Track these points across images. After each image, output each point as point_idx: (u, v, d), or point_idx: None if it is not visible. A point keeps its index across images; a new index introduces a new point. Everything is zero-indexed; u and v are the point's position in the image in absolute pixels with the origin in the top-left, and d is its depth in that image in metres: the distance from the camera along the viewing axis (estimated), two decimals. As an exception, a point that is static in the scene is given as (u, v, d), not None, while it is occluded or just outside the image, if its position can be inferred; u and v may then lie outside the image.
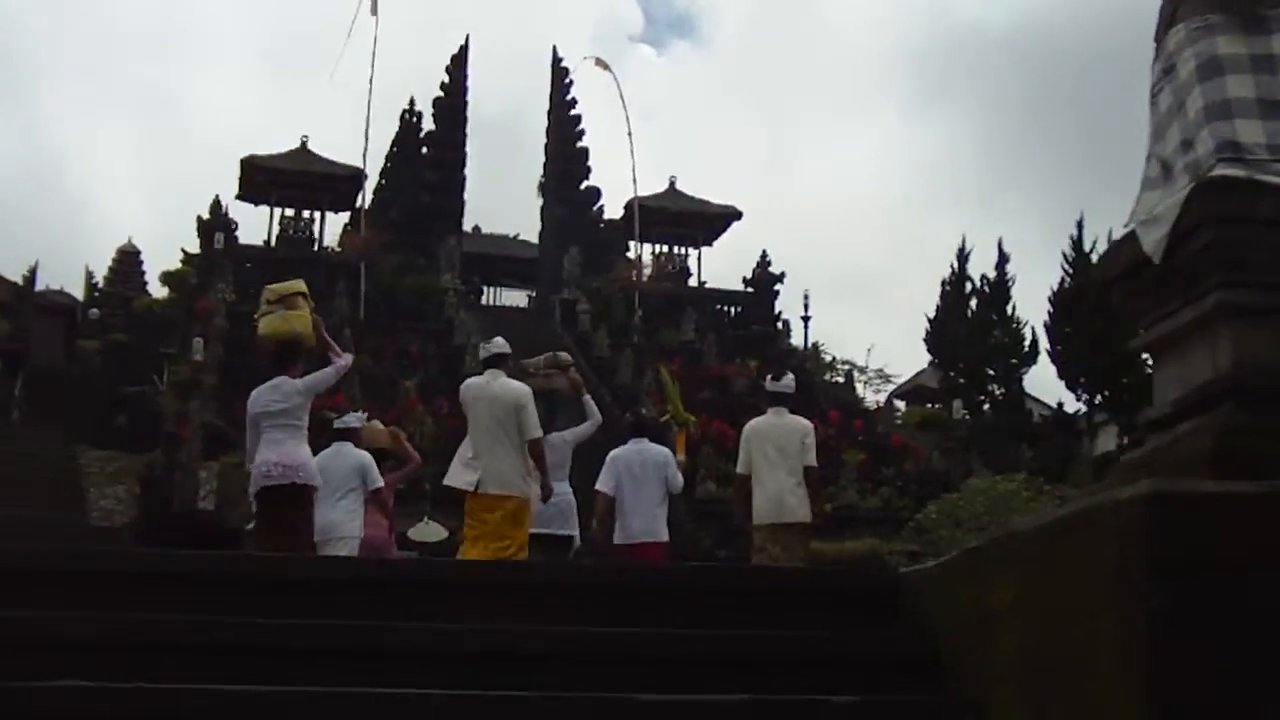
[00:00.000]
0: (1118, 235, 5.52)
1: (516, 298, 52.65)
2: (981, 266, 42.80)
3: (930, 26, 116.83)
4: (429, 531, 23.94)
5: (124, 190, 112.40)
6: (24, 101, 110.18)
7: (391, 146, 51.21)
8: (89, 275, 54.93)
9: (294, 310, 9.84)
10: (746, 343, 43.40)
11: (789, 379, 12.02)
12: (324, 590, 5.72)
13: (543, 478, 10.32)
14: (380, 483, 11.33)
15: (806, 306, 44.00)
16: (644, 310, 43.94)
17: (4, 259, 59.75)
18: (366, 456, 11.33)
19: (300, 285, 10.18)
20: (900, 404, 47.54)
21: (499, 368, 10.57)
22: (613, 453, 11.71)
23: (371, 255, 42.56)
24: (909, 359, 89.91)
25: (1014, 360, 40.70)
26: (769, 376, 12.52)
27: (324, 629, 5.27)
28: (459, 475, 10.27)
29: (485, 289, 51.05)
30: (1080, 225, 41.88)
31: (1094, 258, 41.04)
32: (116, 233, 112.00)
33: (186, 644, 5.06)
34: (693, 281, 48.47)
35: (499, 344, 10.79)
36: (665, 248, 49.02)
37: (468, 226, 51.42)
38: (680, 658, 5.16)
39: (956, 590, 4.92)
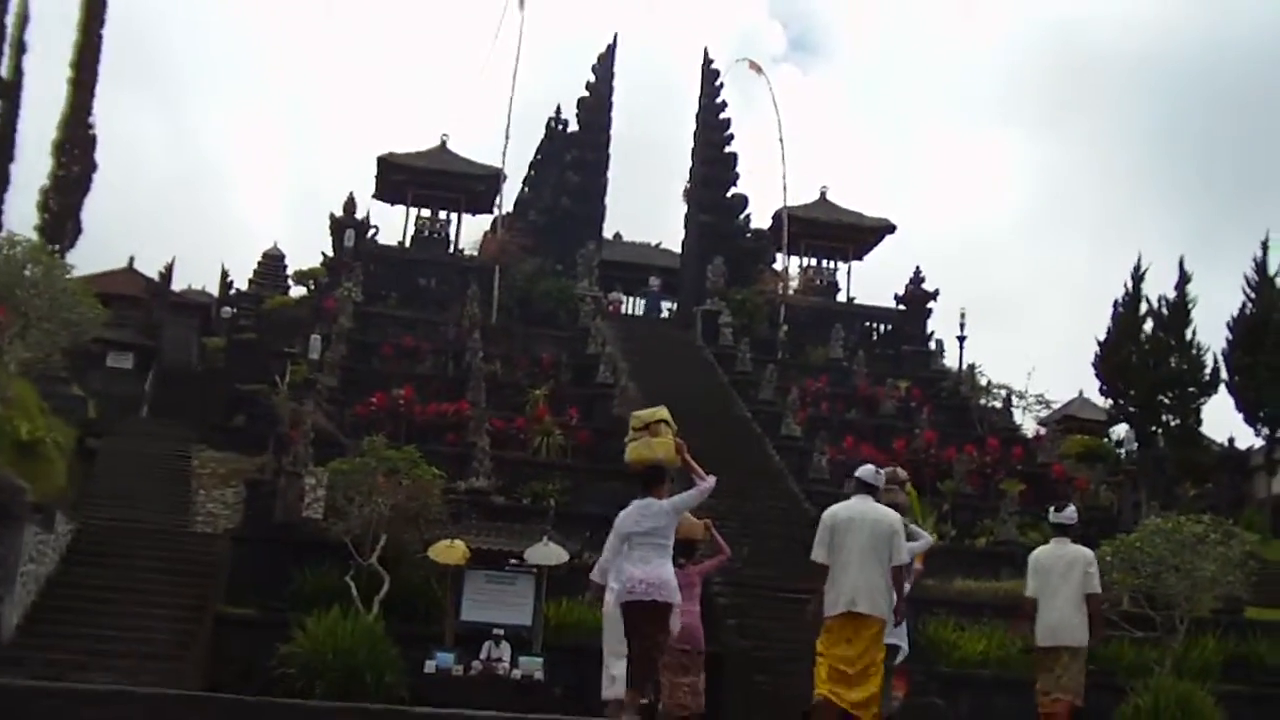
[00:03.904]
0: None
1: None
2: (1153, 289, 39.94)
3: (1058, 49, 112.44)
4: (549, 554, 22.21)
5: (266, 192, 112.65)
6: (168, 100, 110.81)
7: (536, 153, 49.67)
8: (224, 273, 54.26)
9: (657, 437, 10.79)
10: (897, 362, 41.06)
11: (1071, 510, 13.01)
12: None
13: (898, 602, 10.88)
14: None
15: (962, 326, 41.14)
16: (789, 325, 41.81)
17: (144, 256, 59.34)
18: None
19: (664, 413, 11.04)
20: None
21: (870, 494, 11.08)
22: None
23: (507, 258, 41.04)
24: (1058, 385, 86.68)
25: (1192, 389, 37.66)
26: (1052, 508, 13.22)
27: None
28: (836, 602, 10.68)
29: (626, 298, 49.02)
30: (1265, 248, 38.89)
31: (1279, 283, 38.17)
32: (257, 233, 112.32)
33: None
34: (841, 297, 46.11)
35: (873, 473, 11.25)
36: (813, 260, 46.81)
37: (609, 233, 49.62)
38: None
39: None
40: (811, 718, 10.52)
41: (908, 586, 12.41)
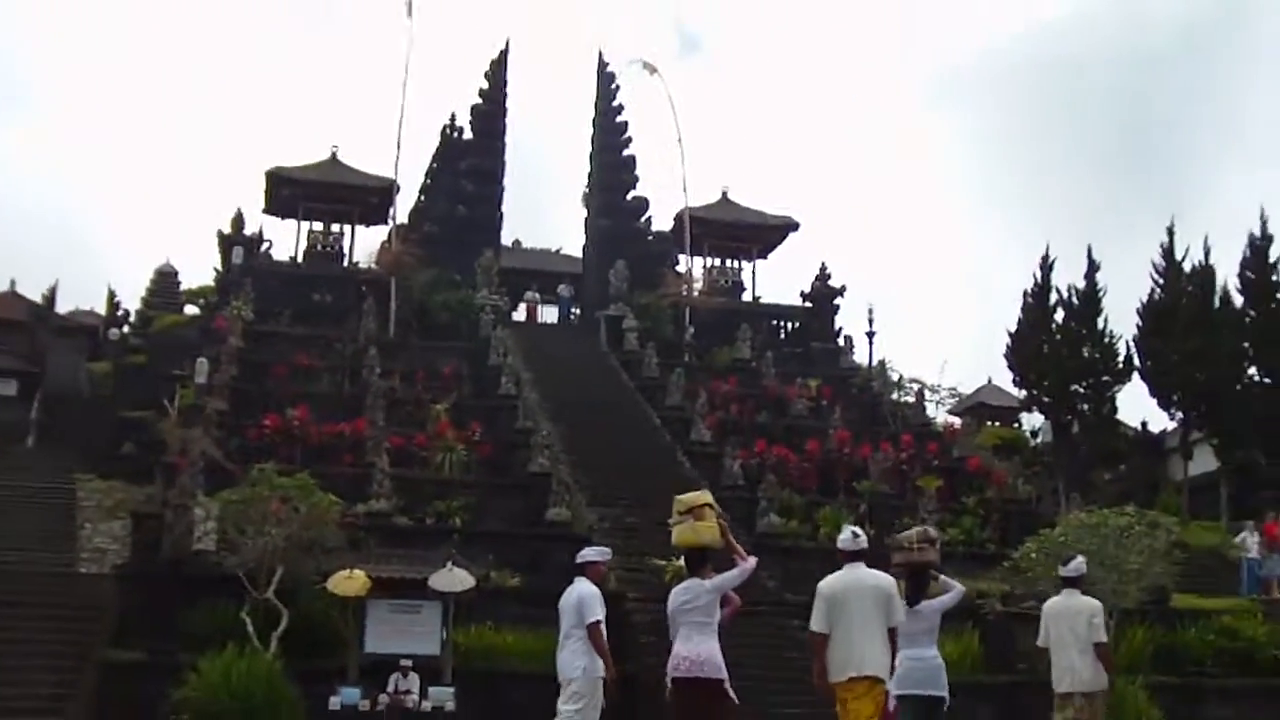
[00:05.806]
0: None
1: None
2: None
3: (947, 40, 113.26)
4: (454, 579, 21.17)
5: (156, 210, 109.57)
6: (37, 116, 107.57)
7: (431, 162, 48.37)
8: (111, 294, 52.53)
9: (701, 521, 10.93)
10: (806, 360, 40.41)
11: (1078, 562, 13.98)
12: None
13: (892, 659, 10.99)
14: (595, 617, 11.71)
15: (871, 321, 40.88)
16: (695, 327, 41.04)
17: (26, 279, 57.14)
18: (584, 593, 11.86)
19: (706, 497, 11.26)
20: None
21: (859, 560, 11.17)
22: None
23: (404, 270, 39.84)
24: (967, 376, 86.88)
25: (1106, 377, 37.46)
26: (1061, 563, 14.29)
27: None
28: (843, 669, 10.83)
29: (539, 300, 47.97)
30: (1171, 233, 38.79)
31: (1186, 267, 38.11)
32: (149, 253, 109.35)
33: None
34: (746, 296, 45.44)
35: (851, 539, 11.31)
36: (717, 261, 46.09)
37: (507, 241, 48.54)
38: None
39: None
40: None
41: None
